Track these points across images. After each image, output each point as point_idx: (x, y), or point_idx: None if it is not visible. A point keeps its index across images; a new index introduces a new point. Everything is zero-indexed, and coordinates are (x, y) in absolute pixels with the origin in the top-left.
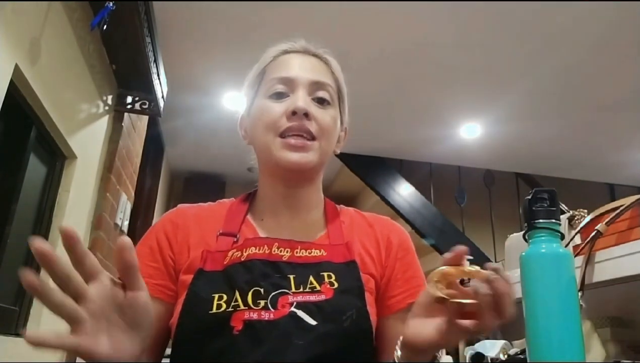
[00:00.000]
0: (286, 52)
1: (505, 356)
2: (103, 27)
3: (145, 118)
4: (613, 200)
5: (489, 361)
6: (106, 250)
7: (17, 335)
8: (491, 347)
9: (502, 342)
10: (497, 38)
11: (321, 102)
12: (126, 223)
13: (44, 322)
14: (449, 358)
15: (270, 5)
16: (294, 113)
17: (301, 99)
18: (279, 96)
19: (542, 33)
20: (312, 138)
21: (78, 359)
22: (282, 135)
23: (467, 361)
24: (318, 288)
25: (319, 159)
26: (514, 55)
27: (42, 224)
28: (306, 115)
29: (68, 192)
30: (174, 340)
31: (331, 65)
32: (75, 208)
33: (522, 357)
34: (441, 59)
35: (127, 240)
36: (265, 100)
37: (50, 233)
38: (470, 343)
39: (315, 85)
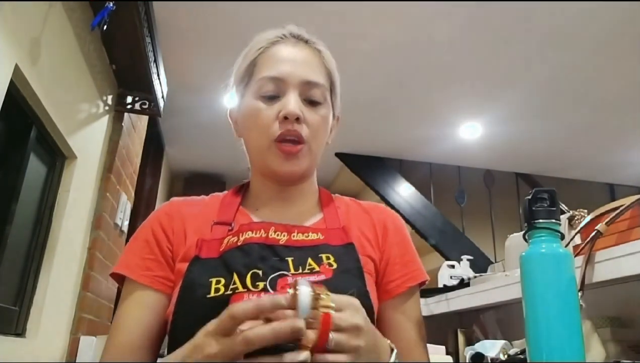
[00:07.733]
0: (276, 42)
1: (505, 356)
2: (103, 27)
3: (145, 118)
4: (613, 200)
5: (489, 361)
6: (106, 250)
7: (17, 335)
8: (491, 347)
9: (502, 342)
10: (497, 38)
11: (313, 102)
12: (126, 223)
13: (44, 322)
14: (449, 358)
15: (270, 4)
16: (285, 118)
17: (292, 103)
18: (270, 98)
19: (542, 33)
20: (303, 141)
21: (77, 359)
22: (275, 140)
23: (467, 361)
24: (317, 269)
25: (309, 162)
26: (514, 55)
27: (42, 224)
28: (297, 119)
29: (68, 192)
30: (170, 327)
31: (323, 56)
32: (75, 208)
33: (522, 357)
34: (441, 59)
35: None
36: (256, 100)
37: (50, 233)
38: (470, 343)
39: (307, 86)
